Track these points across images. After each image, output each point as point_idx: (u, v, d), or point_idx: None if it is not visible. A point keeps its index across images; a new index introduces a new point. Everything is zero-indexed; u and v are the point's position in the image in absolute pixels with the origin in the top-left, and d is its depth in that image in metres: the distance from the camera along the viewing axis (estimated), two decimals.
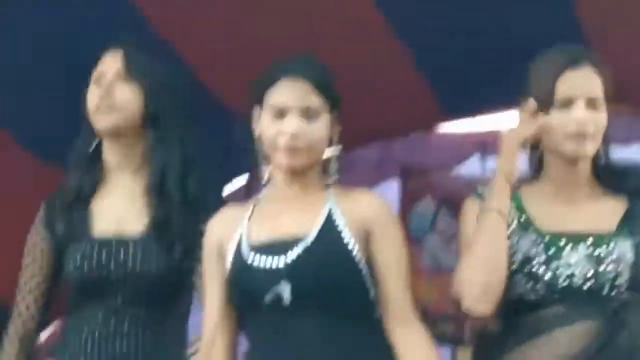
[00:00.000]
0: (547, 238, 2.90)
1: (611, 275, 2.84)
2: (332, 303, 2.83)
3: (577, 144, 2.87)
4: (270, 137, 2.93)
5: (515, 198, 2.99)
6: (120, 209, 3.20)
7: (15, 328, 3.25)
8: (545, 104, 2.91)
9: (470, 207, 3.04)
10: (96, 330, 3.14)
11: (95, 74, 3.21)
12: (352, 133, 4.58)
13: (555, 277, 2.85)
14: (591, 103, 2.89)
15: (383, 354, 2.90)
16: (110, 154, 3.20)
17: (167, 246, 3.13)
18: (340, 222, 2.92)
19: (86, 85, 3.25)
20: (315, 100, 2.91)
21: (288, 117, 2.91)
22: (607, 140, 2.97)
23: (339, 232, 2.90)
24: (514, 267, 2.90)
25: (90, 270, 3.14)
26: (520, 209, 2.97)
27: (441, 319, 5.78)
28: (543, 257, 2.87)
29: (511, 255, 2.92)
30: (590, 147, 2.89)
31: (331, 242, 2.90)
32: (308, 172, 3.00)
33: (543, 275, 2.86)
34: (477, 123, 5.70)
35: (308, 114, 2.91)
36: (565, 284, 2.85)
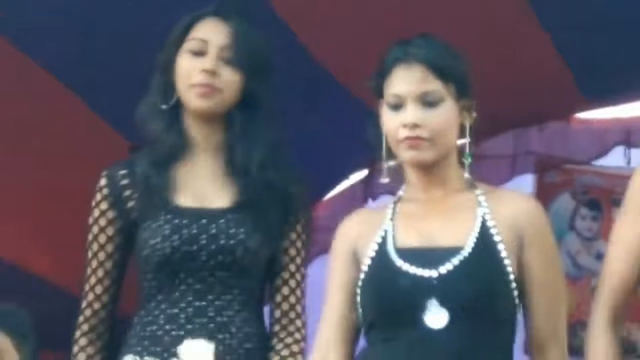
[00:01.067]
0: None
1: None
2: (483, 323, 2.73)
3: None
4: (391, 131, 2.84)
5: None
6: (201, 184, 3.15)
7: (85, 320, 3.15)
8: None
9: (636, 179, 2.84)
10: (190, 311, 3.07)
11: (194, 43, 3.08)
12: (482, 121, 4.71)
13: None
14: None
15: None
16: (196, 129, 3.12)
17: (250, 223, 3.08)
18: (495, 231, 2.81)
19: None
20: (434, 84, 2.80)
21: (406, 107, 2.83)
22: None
23: (495, 244, 2.79)
24: None
25: (181, 244, 3.06)
26: None
27: (580, 327, 5.24)
28: None
29: None
30: None
31: (488, 256, 2.79)
32: (442, 167, 2.87)
33: None
34: (621, 110, 5.62)
35: (427, 100, 2.81)
36: None
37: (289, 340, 3.09)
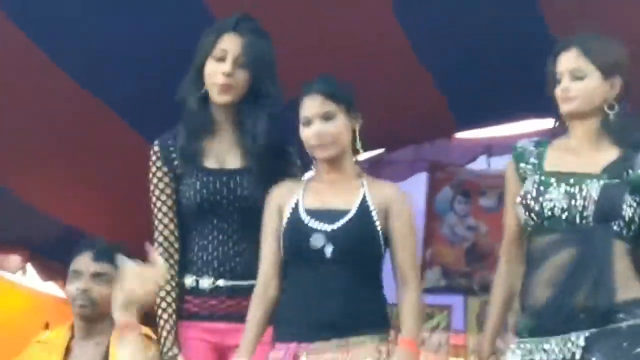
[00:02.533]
0: (542, 177, 3.14)
1: (580, 209, 3.06)
2: (358, 261, 3.24)
3: (564, 106, 3.17)
4: (305, 140, 3.32)
5: (542, 145, 3.25)
6: (222, 151, 3.47)
7: (167, 256, 3.44)
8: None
9: (508, 165, 3.32)
10: (215, 242, 3.44)
11: (217, 52, 3.39)
12: (393, 138, 5.46)
13: (541, 208, 3.10)
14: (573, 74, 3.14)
15: (380, 304, 3.27)
16: (218, 113, 3.47)
17: (259, 177, 3.43)
18: (370, 202, 3.26)
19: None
20: (329, 106, 3.26)
21: (313, 123, 3.27)
22: (619, 101, 3.16)
23: (370, 211, 3.26)
24: (517, 200, 3.17)
25: (208, 195, 3.41)
26: (539, 155, 3.22)
27: (456, 274, 6.52)
28: (534, 193, 3.13)
29: (519, 193, 3.17)
30: (573, 107, 3.13)
31: (364, 218, 3.25)
32: (339, 160, 3.31)
33: (534, 207, 3.12)
34: (484, 131, 6.25)
35: (326, 117, 3.26)
36: (549, 213, 3.10)
37: None
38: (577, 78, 3.14)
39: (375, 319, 3.21)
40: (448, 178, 6.65)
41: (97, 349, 3.46)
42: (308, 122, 3.28)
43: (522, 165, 3.23)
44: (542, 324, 3.11)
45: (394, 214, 3.25)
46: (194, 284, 3.43)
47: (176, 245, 3.46)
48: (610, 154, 3.15)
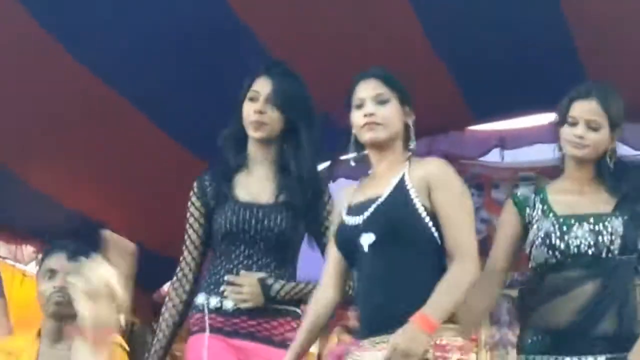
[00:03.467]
0: (561, 219, 3.31)
1: (607, 244, 3.25)
2: (398, 245, 3.10)
3: (577, 151, 3.34)
4: (355, 122, 3.26)
5: (542, 192, 3.40)
6: (255, 185, 3.64)
7: (183, 274, 3.68)
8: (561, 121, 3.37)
9: (507, 208, 3.47)
10: (240, 267, 3.58)
11: (251, 93, 3.63)
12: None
13: (567, 246, 3.27)
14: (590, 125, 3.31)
15: (431, 288, 3.02)
16: (254, 149, 3.67)
17: (289, 213, 3.58)
18: (408, 181, 3.14)
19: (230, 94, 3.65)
20: (383, 89, 3.23)
21: (365, 105, 3.23)
22: (612, 150, 3.35)
23: (407, 190, 3.12)
24: (538, 242, 3.29)
25: (237, 223, 3.57)
26: (543, 201, 3.38)
27: None
28: (558, 233, 3.28)
29: (536, 235, 3.30)
30: (584, 154, 3.32)
31: (400, 200, 3.13)
32: (390, 148, 3.24)
33: (559, 245, 3.27)
34: (497, 124, 6.28)
35: (380, 100, 3.22)
36: (575, 251, 3.26)
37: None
38: (593, 129, 3.31)
39: (414, 309, 3.00)
40: (461, 171, 5.70)
41: (67, 353, 3.42)
42: (360, 105, 3.26)
43: (528, 211, 3.39)
44: (561, 343, 3.23)
45: (436, 187, 3.12)
46: (219, 304, 3.56)
47: (194, 269, 3.69)
48: (609, 196, 3.36)
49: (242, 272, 3.51)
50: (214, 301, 3.58)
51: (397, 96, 3.26)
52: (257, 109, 3.60)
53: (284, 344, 3.47)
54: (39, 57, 4.47)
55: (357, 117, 3.25)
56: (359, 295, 3.21)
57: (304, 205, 3.57)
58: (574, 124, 3.33)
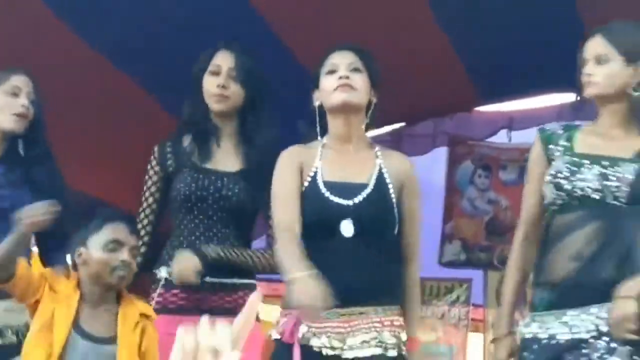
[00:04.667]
0: (575, 159, 3.19)
1: (612, 189, 3.11)
2: (375, 235, 3.19)
3: (587, 90, 3.23)
4: (327, 86, 3.22)
5: (571, 129, 3.30)
6: (217, 155, 3.65)
7: (142, 234, 3.65)
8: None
9: (535, 145, 3.35)
10: (197, 242, 3.55)
11: (212, 66, 3.65)
12: (415, 112, 5.51)
13: (573, 187, 3.15)
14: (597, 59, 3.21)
15: (397, 274, 3.25)
16: (217, 121, 3.69)
17: (248, 183, 3.59)
18: (387, 176, 3.23)
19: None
20: (358, 62, 3.25)
21: (339, 70, 3.23)
22: (637, 84, 3.20)
23: (387, 184, 3.22)
24: (547, 179, 3.20)
25: (195, 189, 3.56)
26: (569, 138, 3.27)
27: (477, 248, 6.53)
28: (567, 173, 3.18)
29: (548, 172, 3.21)
30: (595, 91, 3.21)
31: (382, 192, 3.21)
32: (357, 120, 3.24)
33: (565, 186, 3.17)
34: (505, 105, 6.30)
35: (353, 68, 3.23)
36: (580, 192, 3.14)
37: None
38: (601, 63, 3.19)
39: (385, 292, 3.18)
40: (469, 152, 6.64)
41: (108, 315, 3.40)
42: (333, 70, 3.24)
43: (551, 147, 3.27)
44: (563, 297, 3.13)
45: (408, 191, 3.25)
46: None
47: (149, 232, 3.72)
48: (636, 140, 3.22)
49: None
50: None
51: (368, 73, 3.26)
52: (220, 82, 3.63)
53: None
54: (42, 36, 4.46)
55: (329, 81, 3.23)
56: (331, 272, 3.08)
57: (262, 176, 3.50)
58: (585, 65, 3.27)
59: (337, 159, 3.26)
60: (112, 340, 3.35)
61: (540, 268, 3.23)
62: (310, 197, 3.22)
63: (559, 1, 4.73)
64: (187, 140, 3.70)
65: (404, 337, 3.16)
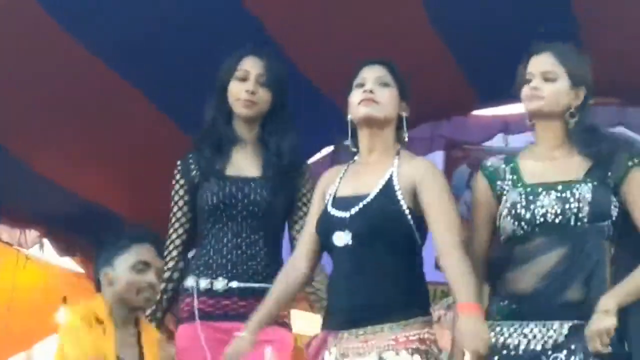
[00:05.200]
0: (528, 189, 3.23)
1: (574, 211, 3.15)
2: (380, 245, 3.17)
3: (530, 103, 3.26)
4: (353, 100, 3.29)
5: (512, 161, 3.32)
6: (241, 161, 3.72)
7: (171, 249, 3.73)
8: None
9: (478, 182, 3.39)
10: (224, 250, 3.62)
11: (240, 73, 3.71)
12: (412, 116, 5.06)
13: (533, 215, 3.18)
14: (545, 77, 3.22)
15: (412, 284, 3.19)
16: (241, 128, 3.76)
17: (271, 187, 3.66)
18: (396, 181, 3.20)
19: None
20: (387, 77, 3.31)
21: (366, 84, 3.29)
22: (580, 112, 3.25)
23: (395, 191, 3.20)
24: (504, 213, 3.22)
25: (223, 198, 3.62)
26: (514, 170, 3.30)
27: None
28: (524, 202, 3.20)
29: (503, 205, 3.24)
30: (541, 105, 3.22)
31: (386, 200, 3.19)
32: (382, 133, 3.27)
33: (525, 215, 3.19)
34: (501, 109, 6.21)
35: (381, 82, 3.28)
36: (541, 220, 3.17)
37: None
38: (549, 80, 3.22)
39: (397, 304, 3.15)
40: (465, 156, 6.65)
41: (131, 338, 3.46)
42: (362, 84, 3.28)
43: (498, 183, 3.28)
44: (526, 309, 3.16)
45: (423, 188, 3.19)
46: (209, 285, 3.59)
47: (180, 248, 3.75)
48: (582, 160, 3.24)
49: None
50: (203, 283, 3.59)
51: (397, 87, 3.30)
52: (249, 88, 3.66)
53: (276, 322, 3.49)
54: (37, 38, 4.47)
55: (355, 95, 3.28)
56: (333, 288, 3.23)
57: (284, 180, 3.62)
58: (529, 80, 3.28)
59: (357, 173, 3.29)
60: None
61: (500, 282, 3.24)
62: (321, 214, 3.29)
63: (556, 4, 4.74)
64: (209, 149, 3.73)
65: (424, 349, 3.15)
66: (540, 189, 3.20)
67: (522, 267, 3.18)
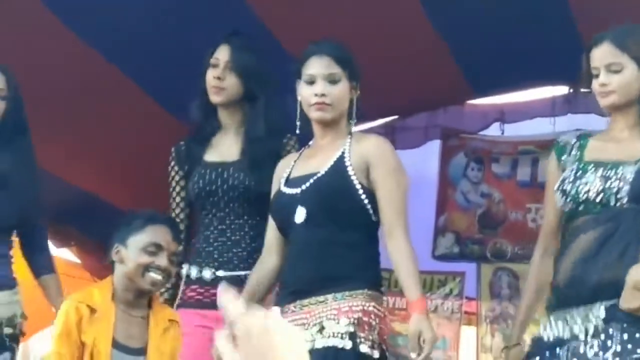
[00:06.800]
0: (582, 165, 3.23)
1: (614, 190, 3.12)
2: (331, 219, 3.21)
3: (603, 100, 3.22)
4: (305, 98, 3.30)
5: (584, 138, 3.32)
6: (224, 147, 3.78)
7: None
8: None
9: (551, 157, 3.40)
10: (210, 237, 3.66)
11: (212, 60, 3.78)
12: (408, 105, 5.56)
13: (577, 192, 3.18)
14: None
15: (361, 260, 3.22)
16: (221, 114, 3.82)
17: (251, 167, 3.68)
18: (347, 158, 3.24)
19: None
20: (335, 69, 3.30)
21: (317, 83, 3.28)
22: None
23: (346, 167, 3.23)
24: (555, 187, 3.25)
25: (204, 185, 3.67)
26: (581, 147, 3.29)
27: (469, 241, 6.50)
28: (572, 178, 3.22)
29: (558, 181, 3.25)
30: (612, 100, 3.20)
31: (337, 176, 3.22)
32: (335, 127, 3.31)
33: (570, 191, 3.20)
34: (497, 98, 6.29)
35: (331, 79, 3.28)
36: (584, 197, 3.17)
37: None
38: (614, 72, 3.16)
39: (343, 278, 3.15)
40: (461, 145, 6.62)
41: (139, 321, 3.42)
42: (311, 81, 3.27)
43: (564, 158, 3.28)
44: (566, 296, 3.15)
45: (373, 167, 3.20)
46: (199, 274, 3.65)
47: (184, 235, 3.76)
48: None
49: None
50: (194, 271, 3.66)
51: (347, 73, 3.28)
52: (217, 74, 3.72)
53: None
54: (32, 29, 4.46)
55: (307, 94, 3.27)
56: (288, 264, 3.26)
57: (266, 161, 3.60)
58: (597, 75, 3.23)
59: (310, 156, 3.33)
60: (145, 350, 3.38)
61: (554, 273, 3.27)
62: (275, 197, 3.35)
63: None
64: (194, 137, 3.84)
65: (367, 321, 3.13)
66: (590, 166, 3.20)
67: (565, 252, 3.20)
